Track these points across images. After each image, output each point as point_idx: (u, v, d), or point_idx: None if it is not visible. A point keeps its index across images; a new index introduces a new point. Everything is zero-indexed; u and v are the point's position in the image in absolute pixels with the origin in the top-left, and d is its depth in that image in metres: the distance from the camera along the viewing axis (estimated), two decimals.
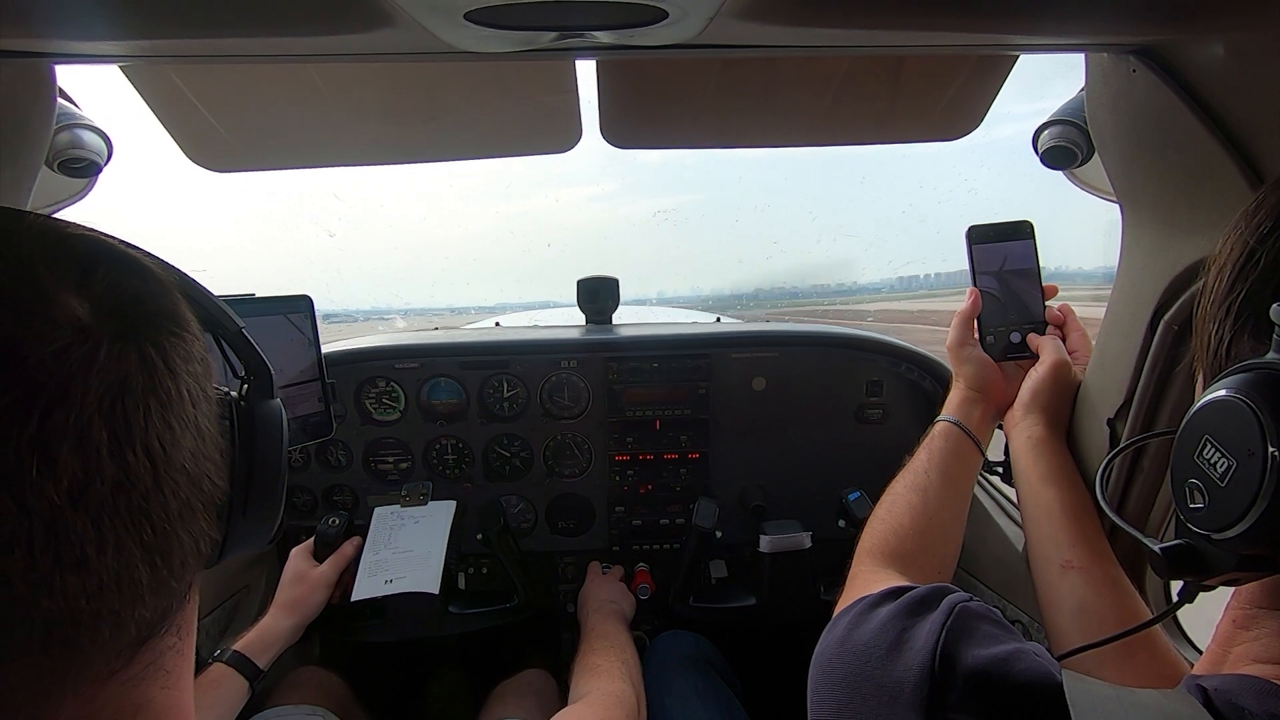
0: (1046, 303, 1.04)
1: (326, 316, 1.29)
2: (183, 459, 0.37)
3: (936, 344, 1.41)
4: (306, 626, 1.24)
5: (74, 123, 0.95)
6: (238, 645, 1.14)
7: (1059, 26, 0.78)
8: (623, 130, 1.20)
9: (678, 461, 1.58)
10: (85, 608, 0.33)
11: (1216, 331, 0.48)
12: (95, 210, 1.08)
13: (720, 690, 1.29)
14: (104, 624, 0.34)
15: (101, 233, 0.41)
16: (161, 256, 0.43)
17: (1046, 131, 1.01)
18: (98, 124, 0.98)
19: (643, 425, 1.56)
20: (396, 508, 1.47)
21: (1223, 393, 0.44)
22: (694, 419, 1.56)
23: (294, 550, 1.33)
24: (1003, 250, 1.03)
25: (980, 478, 1.42)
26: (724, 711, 1.24)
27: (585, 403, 1.56)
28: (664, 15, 0.63)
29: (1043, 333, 1.02)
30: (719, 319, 2.06)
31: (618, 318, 1.78)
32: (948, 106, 1.15)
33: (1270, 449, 0.40)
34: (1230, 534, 0.43)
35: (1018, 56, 1.04)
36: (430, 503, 1.48)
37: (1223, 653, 0.50)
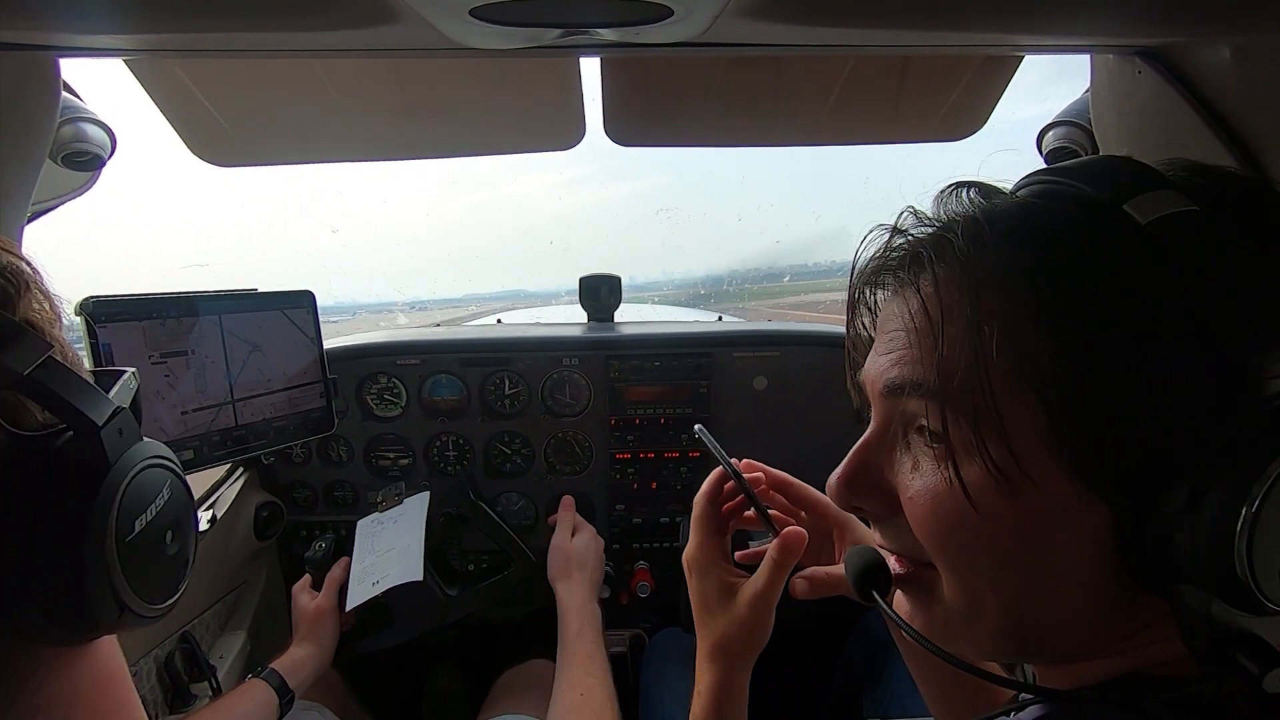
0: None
1: (327, 310, 1.29)
2: None
3: None
4: (333, 651, 1.26)
5: (78, 116, 0.95)
6: (275, 664, 1.15)
7: (1064, 27, 0.77)
8: (626, 128, 1.20)
9: (678, 460, 1.58)
10: None
11: None
12: (99, 204, 1.08)
13: None
14: None
15: None
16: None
17: (1051, 132, 1.01)
18: (101, 117, 0.98)
19: (644, 423, 1.56)
20: (375, 515, 1.47)
21: None
22: (695, 417, 1.56)
23: (295, 588, 1.34)
24: None
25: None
26: None
27: (586, 400, 1.56)
28: (669, 13, 0.63)
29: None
30: (720, 318, 2.06)
31: (619, 315, 1.78)
32: (952, 107, 1.15)
33: None
34: None
35: (1023, 57, 1.04)
36: (405, 500, 1.48)
37: None
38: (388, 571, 1.33)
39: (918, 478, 0.46)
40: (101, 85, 1.01)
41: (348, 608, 1.29)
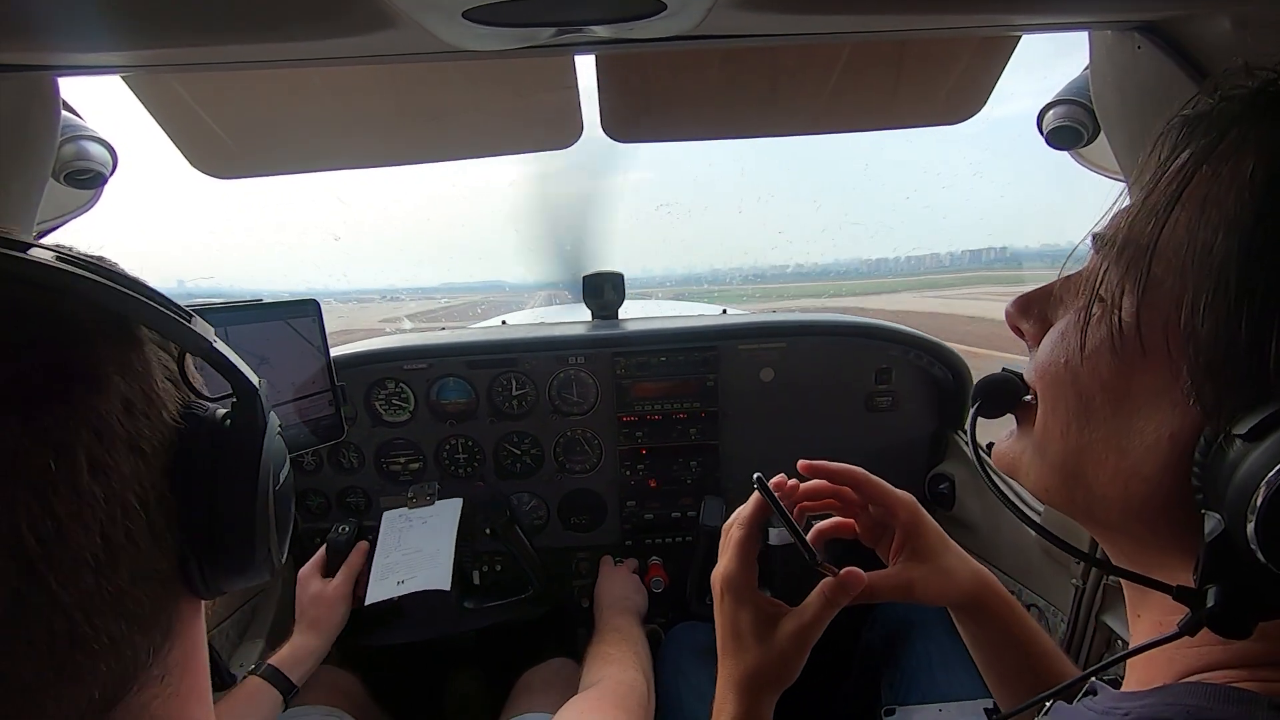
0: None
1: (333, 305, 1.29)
2: (88, 545, 0.32)
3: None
4: (333, 640, 1.26)
5: (79, 134, 0.96)
6: (272, 660, 1.16)
7: (1062, 5, 0.77)
8: (624, 124, 1.19)
9: (688, 454, 1.58)
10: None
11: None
12: (103, 221, 1.09)
13: None
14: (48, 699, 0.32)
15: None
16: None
17: (1051, 111, 1.00)
18: (102, 135, 0.99)
19: (652, 419, 1.57)
20: (404, 510, 1.48)
21: None
22: (703, 412, 1.56)
23: (301, 571, 1.34)
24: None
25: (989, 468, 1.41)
26: None
27: (594, 398, 1.56)
28: (662, 7, 0.63)
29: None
30: (725, 310, 2.05)
31: (623, 312, 1.78)
32: (951, 90, 1.15)
33: None
34: None
35: (1020, 37, 1.03)
36: (437, 501, 1.49)
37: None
38: (414, 574, 1.34)
39: (1064, 316, 0.48)
40: (101, 103, 1.02)
41: (367, 601, 1.30)
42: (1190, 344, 0.39)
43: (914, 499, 0.80)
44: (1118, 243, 0.43)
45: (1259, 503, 0.34)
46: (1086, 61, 0.92)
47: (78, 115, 0.98)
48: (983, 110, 1.19)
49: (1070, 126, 0.98)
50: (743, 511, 0.79)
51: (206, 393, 0.42)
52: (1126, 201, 0.47)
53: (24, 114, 0.80)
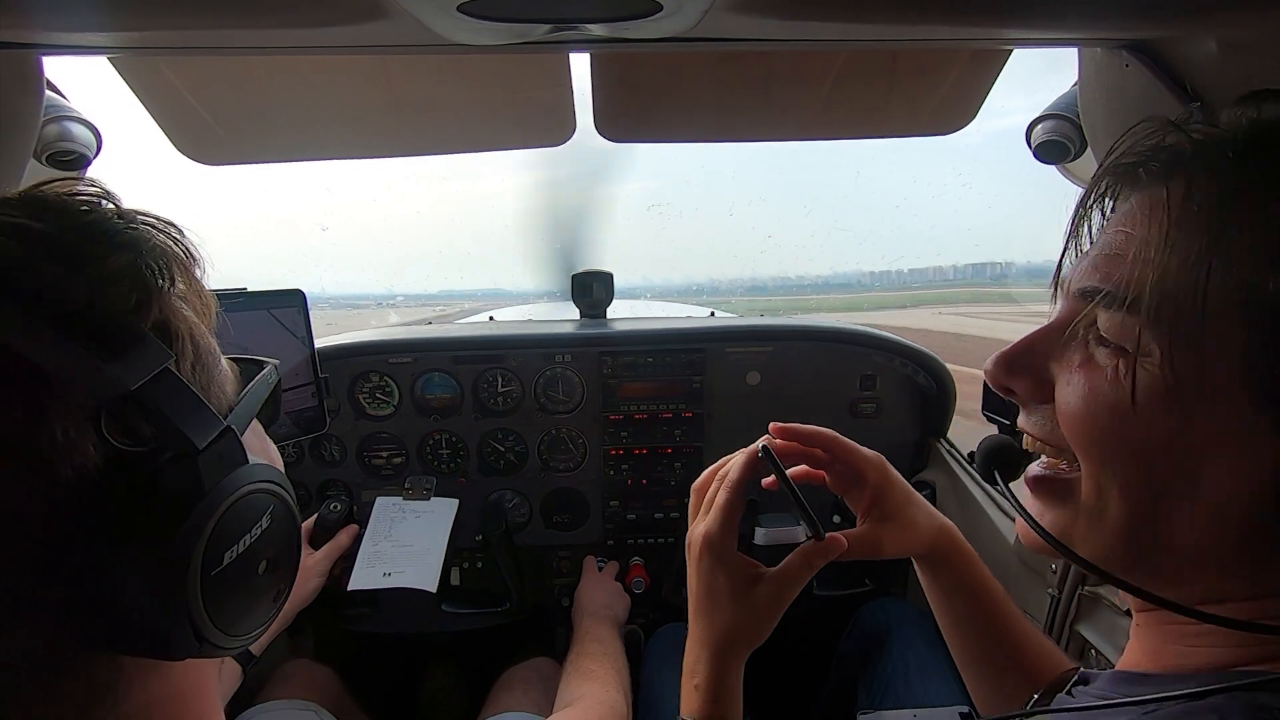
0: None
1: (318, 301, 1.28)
2: None
3: None
4: (298, 614, 1.24)
5: (62, 115, 0.94)
6: None
7: (1053, 21, 0.78)
8: (617, 123, 1.19)
9: (672, 455, 1.58)
10: None
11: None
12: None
13: None
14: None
15: None
16: None
17: (1040, 126, 1.01)
18: (86, 116, 0.97)
19: (637, 420, 1.57)
20: (399, 499, 1.47)
21: None
22: (688, 413, 1.56)
23: None
24: None
25: (971, 476, 1.43)
26: None
27: (580, 397, 1.56)
28: (658, 8, 0.63)
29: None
30: (713, 313, 2.06)
31: (612, 312, 1.77)
32: (942, 101, 1.16)
33: None
34: None
35: (1011, 51, 1.05)
36: (433, 499, 1.48)
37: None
38: (402, 569, 1.33)
39: (1085, 370, 0.46)
40: (86, 84, 1.00)
41: (350, 587, 1.29)
42: (1254, 378, 0.39)
43: (882, 459, 0.82)
44: (1145, 295, 0.42)
45: None
46: (1076, 77, 0.93)
47: (62, 95, 0.96)
48: (972, 122, 1.20)
49: (1058, 141, 0.99)
50: (730, 475, 0.79)
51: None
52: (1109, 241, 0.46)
53: (6, 92, 0.79)
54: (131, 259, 0.38)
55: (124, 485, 0.35)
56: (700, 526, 0.77)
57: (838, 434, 0.83)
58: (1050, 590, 1.13)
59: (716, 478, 0.80)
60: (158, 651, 0.37)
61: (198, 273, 0.42)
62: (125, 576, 0.35)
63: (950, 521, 0.83)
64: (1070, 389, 0.46)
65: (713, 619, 0.75)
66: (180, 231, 0.42)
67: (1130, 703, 0.44)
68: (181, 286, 0.41)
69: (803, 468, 0.86)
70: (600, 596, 1.46)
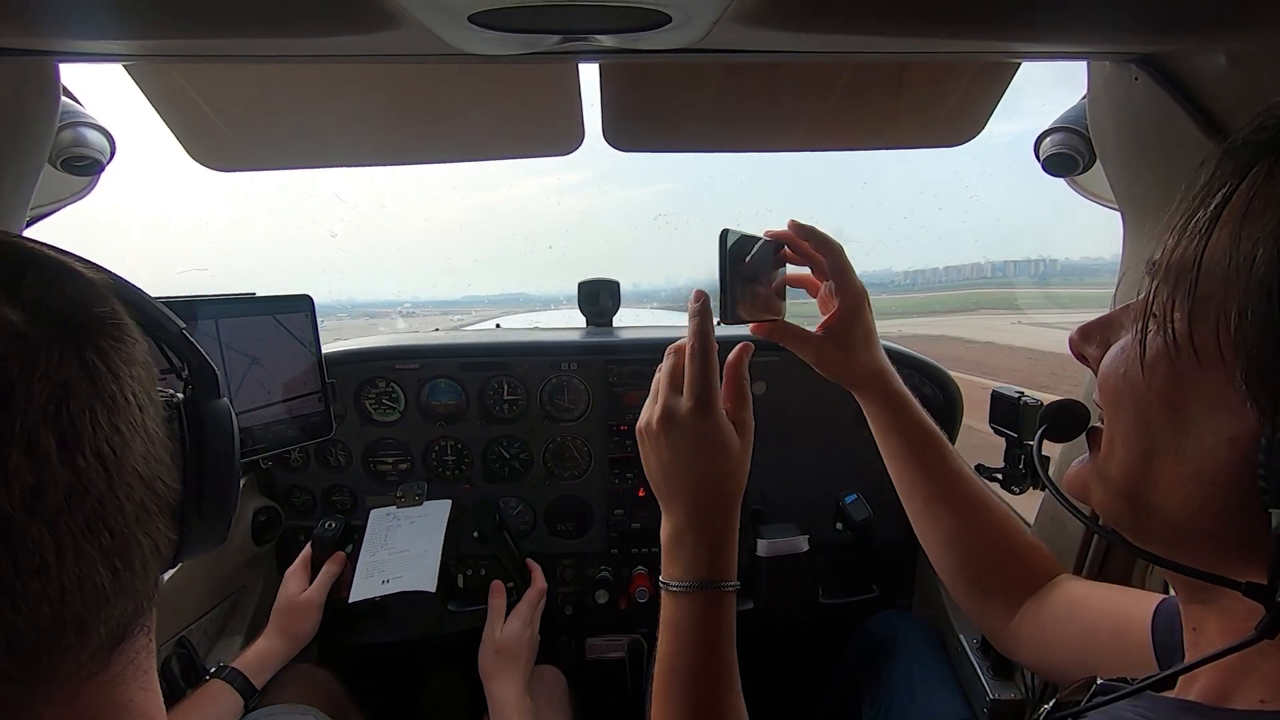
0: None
1: (323, 309, 1.29)
2: (134, 462, 0.37)
3: None
4: (303, 645, 1.26)
5: (77, 121, 0.95)
6: (236, 663, 1.15)
7: (1061, 35, 0.78)
8: (625, 133, 1.20)
9: None
10: (49, 614, 0.33)
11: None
12: (97, 208, 1.08)
13: None
14: (69, 630, 0.35)
15: (26, 238, 0.40)
16: (94, 260, 0.42)
17: (1048, 138, 1.02)
18: (101, 122, 0.98)
19: None
20: (392, 509, 1.46)
21: None
22: None
23: (288, 572, 1.33)
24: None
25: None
26: None
27: (585, 405, 1.56)
28: (667, 20, 0.63)
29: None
30: (719, 322, 2.05)
31: (619, 320, 1.78)
32: (950, 113, 1.16)
33: None
34: None
35: (1020, 64, 1.05)
36: (426, 502, 1.48)
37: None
38: (400, 573, 1.33)
39: (1123, 337, 0.50)
40: (101, 90, 1.01)
41: (351, 599, 1.29)
42: (1242, 351, 0.40)
43: (865, 295, 0.92)
44: (1166, 264, 0.45)
45: None
46: (1084, 90, 0.93)
47: (77, 101, 0.98)
48: (980, 134, 1.20)
49: (1067, 154, 0.99)
50: (689, 344, 0.85)
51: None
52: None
53: (23, 98, 0.80)
54: None
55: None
56: (691, 385, 0.83)
57: (843, 253, 0.92)
58: None
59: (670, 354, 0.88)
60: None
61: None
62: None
63: (891, 370, 0.95)
64: (1110, 350, 0.51)
65: (710, 485, 0.82)
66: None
67: None
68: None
69: (784, 245, 0.93)
70: (489, 647, 1.32)
